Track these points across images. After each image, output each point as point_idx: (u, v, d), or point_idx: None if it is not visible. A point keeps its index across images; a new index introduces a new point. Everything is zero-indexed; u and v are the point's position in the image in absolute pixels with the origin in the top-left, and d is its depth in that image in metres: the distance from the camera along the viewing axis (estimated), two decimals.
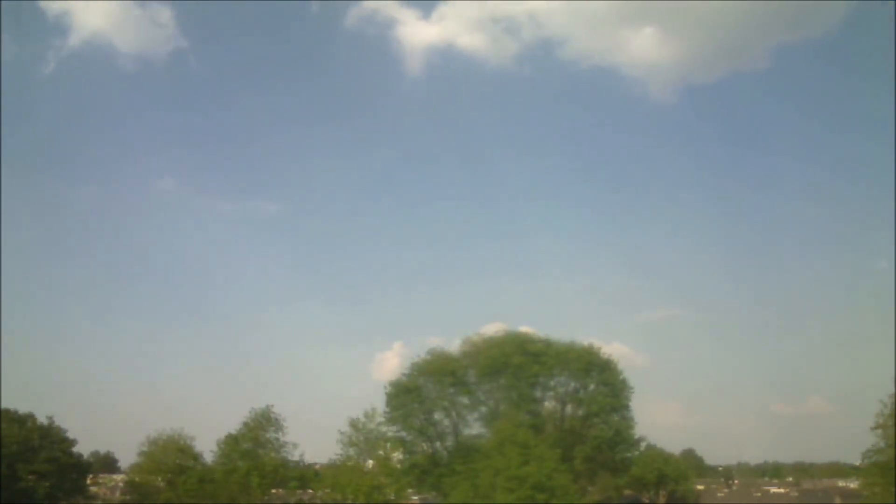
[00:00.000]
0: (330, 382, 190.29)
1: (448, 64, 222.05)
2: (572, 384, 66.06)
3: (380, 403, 60.86)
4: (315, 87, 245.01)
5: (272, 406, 58.61)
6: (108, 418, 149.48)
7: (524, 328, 72.56)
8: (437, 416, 64.43)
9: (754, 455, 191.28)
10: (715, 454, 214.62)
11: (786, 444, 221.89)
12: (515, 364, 62.53)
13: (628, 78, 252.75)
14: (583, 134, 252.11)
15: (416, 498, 73.60)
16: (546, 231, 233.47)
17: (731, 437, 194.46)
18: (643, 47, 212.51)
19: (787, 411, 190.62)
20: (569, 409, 66.48)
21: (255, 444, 57.71)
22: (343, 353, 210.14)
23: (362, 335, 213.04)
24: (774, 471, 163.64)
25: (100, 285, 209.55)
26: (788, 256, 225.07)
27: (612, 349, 71.43)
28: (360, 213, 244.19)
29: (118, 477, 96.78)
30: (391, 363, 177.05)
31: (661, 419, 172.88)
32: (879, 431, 51.14)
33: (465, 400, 64.04)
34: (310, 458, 64.47)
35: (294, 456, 59.17)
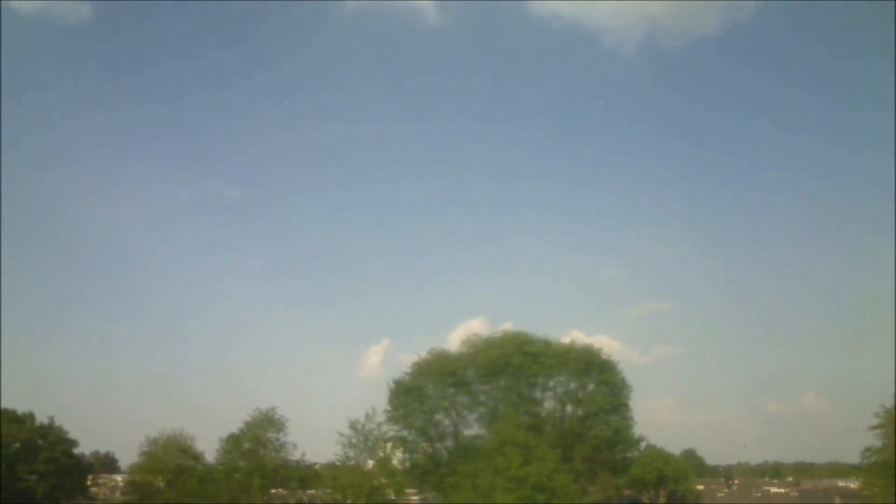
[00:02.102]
0: (314, 381, 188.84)
1: (409, 27, 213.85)
2: (572, 384, 66.23)
3: (365, 402, 60.89)
4: (257, 52, 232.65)
5: (275, 407, 58.74)
6: (108, 418, 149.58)
7: (507, 324, 72.74)
8: (438, 416, 64.59)
9: (754, 455, 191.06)
10: (715, 454, 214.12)
11: (781, 443, 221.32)
12: (515, 364, 62.66)
13: (602, 35, 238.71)
14: (561, 106, 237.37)
15: (416, 498, 73.65)
16: (527, 225, 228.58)
17: (726, 435, 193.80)
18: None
19: (781, 409, 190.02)
20: (568, 409, 66.62)
21: (256, 444, 57.79)
22: (324, 351, 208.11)
23: (343, 334, 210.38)
24: (774, 471, 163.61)
25: (94, 284, 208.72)
26: (783, 250, 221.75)
27: (597, 342, 71.62)
28: (327, 204, 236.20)
29: (118, 477, 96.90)
30: (373, 361, 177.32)
31: (651, 416, 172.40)
32: (879, 431, 51.17)
33: (465, 400, 64.16)
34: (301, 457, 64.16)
35: (294, 456, 59.30)
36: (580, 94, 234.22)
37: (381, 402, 63.08)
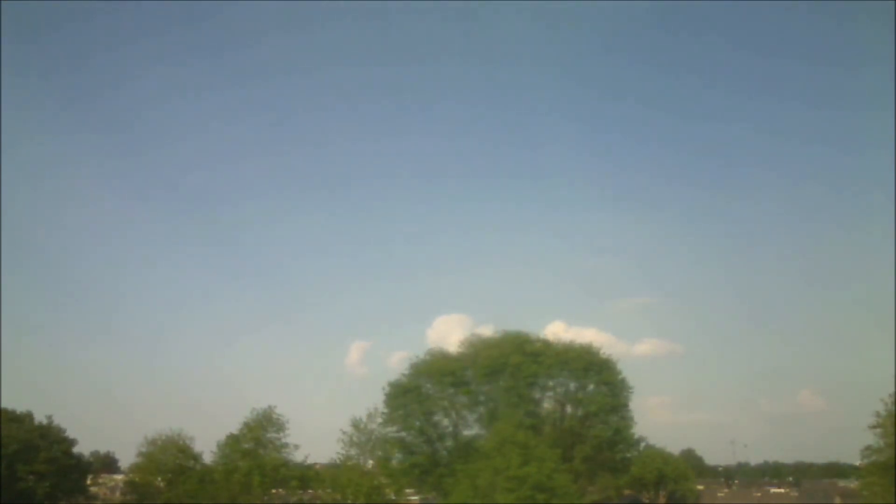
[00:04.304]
0: (301, 379, 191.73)
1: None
2: (571, 384, 66.10)
3: (350, 399, 61.00)
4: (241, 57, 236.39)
5: (274, 407, 58.66)
6: (108, 418, 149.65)
7: (489, 318, 72.79)
8: (437, 416, 64.48)
9: (754, 455, 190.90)
10: (715, 454, 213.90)
11: (781, 443, 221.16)
12: (514, 364, 62.56)
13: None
14: (542, 96, 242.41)
15: (416, 498, 73.59)
16: (505, 219, 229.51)
17: (726, 435, 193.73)
18: None
19: (778, 408, 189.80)
20: (568, 408, 66.50)
21: (255, 443, 57.74)
22: (309, 350, 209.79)
23: (325, 332, 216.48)
24: (774, 471, 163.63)
25: (96, 284, 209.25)
26: (780, 246, 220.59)
27: (583, 335, 71.48)
28: (310, 204, 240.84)
29: (118, 477, 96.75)
30: (355, 358, 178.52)
31: (645, 413, 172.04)
32: (879, 430, 51.03)
33: (464, 400, 64.08)
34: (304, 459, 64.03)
35: (296, 457, 59.21)
36: (560, 80, 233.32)
37: (366, 398, 63.08)
